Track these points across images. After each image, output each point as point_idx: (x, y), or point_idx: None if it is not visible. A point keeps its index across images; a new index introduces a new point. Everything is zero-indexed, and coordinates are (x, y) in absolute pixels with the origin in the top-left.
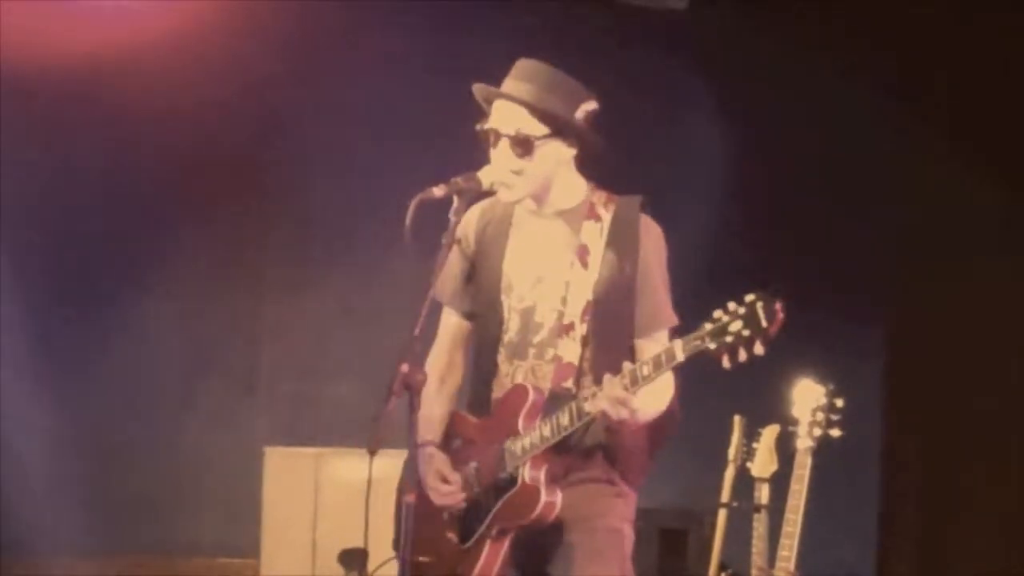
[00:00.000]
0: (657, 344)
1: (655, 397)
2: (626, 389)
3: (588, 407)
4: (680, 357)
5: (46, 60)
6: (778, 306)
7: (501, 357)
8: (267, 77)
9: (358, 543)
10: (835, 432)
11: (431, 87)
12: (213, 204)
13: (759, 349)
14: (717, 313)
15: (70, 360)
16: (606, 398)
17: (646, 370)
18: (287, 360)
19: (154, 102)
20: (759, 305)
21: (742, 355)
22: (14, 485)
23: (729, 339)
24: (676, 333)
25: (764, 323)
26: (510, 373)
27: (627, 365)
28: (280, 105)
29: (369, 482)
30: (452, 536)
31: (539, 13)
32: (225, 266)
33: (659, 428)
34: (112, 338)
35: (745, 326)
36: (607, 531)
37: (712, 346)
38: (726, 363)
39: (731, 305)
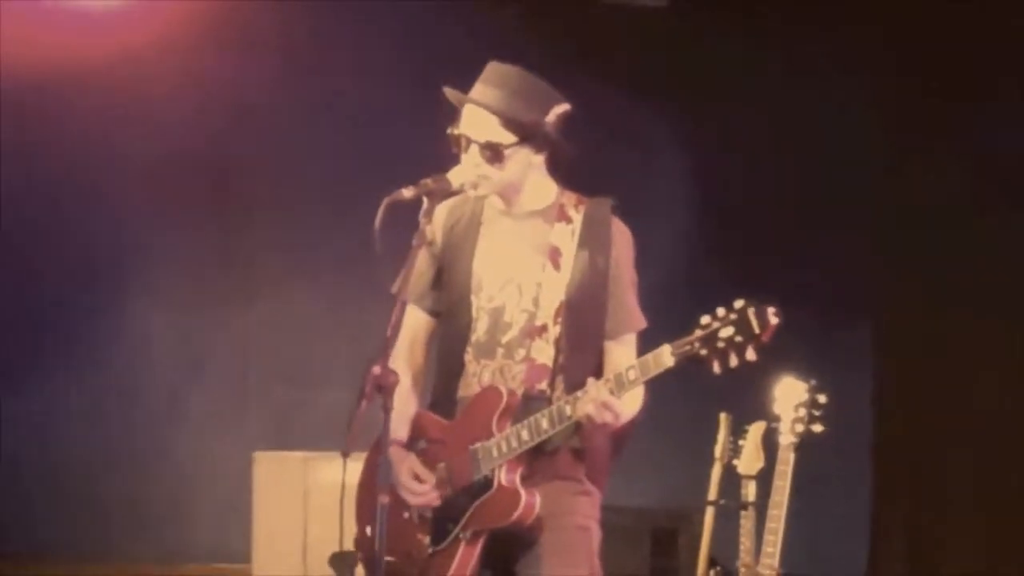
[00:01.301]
0: (625, 346)
1: (633, 400)
2: (612, 393)
3: (570, 411)
4: (669, 363)
5: (31, 62)
6: (771, 311)
7: (468, 356)
8: (250, 81)
9: (347, 545)
10: (817, 428)
11: (406, 86)
12: (199, 210)
13: (751, 355)
14: (705, 319)
15: (60, 365)
16: (591, 401)
17: (632, 374)
18: (276, 366)
19: (138, 104)
20: (750, 311)
21: (733, 361)
22: (5, 491)
23: (720, 345)
24: (643, 337)
25: (756, 329)
26: (477, 373)
27: (613, 370)
28: (265, 113)
29: (343, 485)
30: (423, 538)
31: (514, 10)
32: (213, 272)
33: (622, 431)
34: (101, 344)
35: (737, 332)
36: (575, 528)
37: (703, 352)
38: (716, 369)
39: (720, 311)
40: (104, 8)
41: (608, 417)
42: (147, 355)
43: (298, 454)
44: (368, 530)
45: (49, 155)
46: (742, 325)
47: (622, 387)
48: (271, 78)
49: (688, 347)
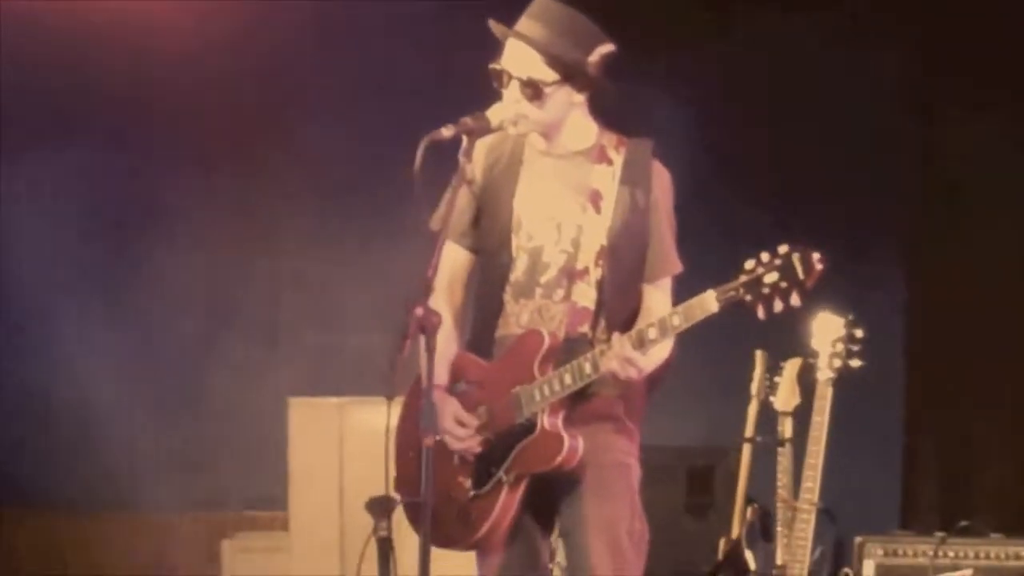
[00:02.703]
0: (661, 291)
1: (660, 350)
2: (654, 341)
3: (591, 367)
4: (714, 308)
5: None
6: (816, 257)
7: (507, 296)
8: (276, 33)
9: (384, 490)
10: (855, 363)
11: (446, 26)
12: (229, 158)
13: (796, 301)
14: (749, 264)
15: (90, 315)
16: (615, 357)
17: (677, 320)
18: (307, 311)
19: (163, 57)
20: (795, 256)
21: (778, 306)
22: (40, 441)
23: (765, 290)
24: (678, 280)
25: (801, 275)
26: (516, 312)
27: (648, 314)
28: (293, 61)
29: (388, 429)
30: (464, 481)
31: None
32: (240, 219)
33: (656, 372)
34: (132, 293)
35: (782, 277)
36: (615, 466)
37: (748, 297)
38: (761, 314)
39: (764, 256)
40: None
41: (632, 372)
42: (176, 303)
43: (333, 400)
44: (410, 474)
45: (75, 109)
46: (787, 270)
47: (666, 332)
48: (298, 28)
49: (733, 292)
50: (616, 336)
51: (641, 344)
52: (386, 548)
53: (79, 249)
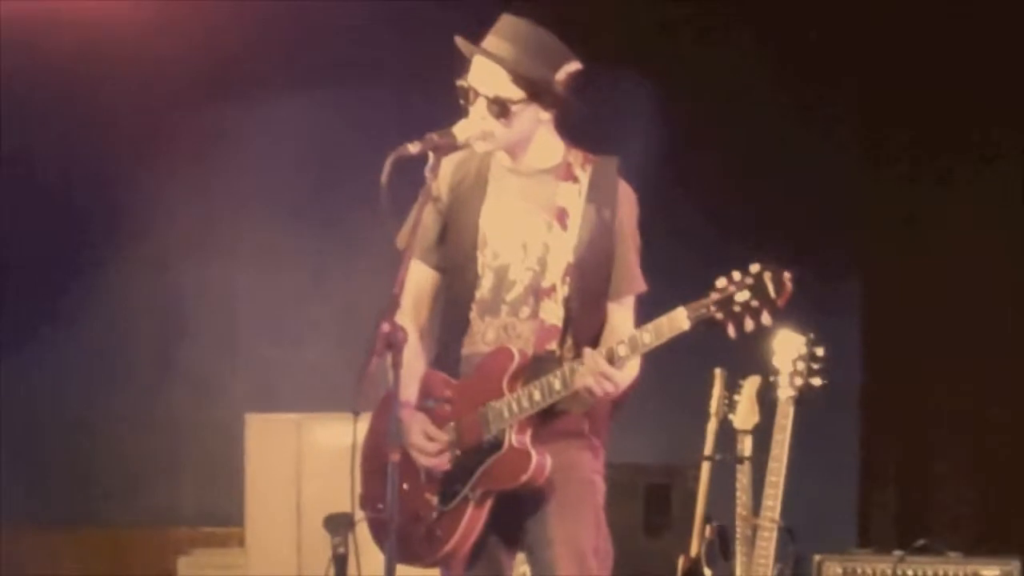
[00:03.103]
0: (625, 308)
1: (632, 366)
2: (624, 359)
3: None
4: (685, 326)
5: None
6: (787, 276)
7: (473, 313)
8: (235, 40)
9: (342, 507)
10: (816, 381)
11: (409, 41)
12: (185, 170)
13: (767, 319)
14: (721, 282)
15: (44, 329)
16: (589, 372)
17: (647, 337)
18: (265, 325)
19: (121, 63)
20: (767, 275)
21: (749, 325)
22: None
23: (737, 309)
24: (641, 299)
25: (773, 294)
26: (482, 330)
27: (612, 331)
28: (247, 71)
29: (354, 445)
30: (431, 498)
31: None
32: (198, 233)
33: (625, 389)
34: (86, 307)
35: (753, 296)
36: (581, 482)
37: (719, 315)
38: (732, 332)
39: (735, 274)
40: None
41: (609, 387)
42: (132, 317)
43: (291, 416)
44: (375, 490)
45: (31, 116)
46: (758, 289)
47: (636, 350)
48: (256, 39)
49: (704, 310)
50: (588, 351)
51: (611, 362)
52: (343, 565)
53: (32, 262)
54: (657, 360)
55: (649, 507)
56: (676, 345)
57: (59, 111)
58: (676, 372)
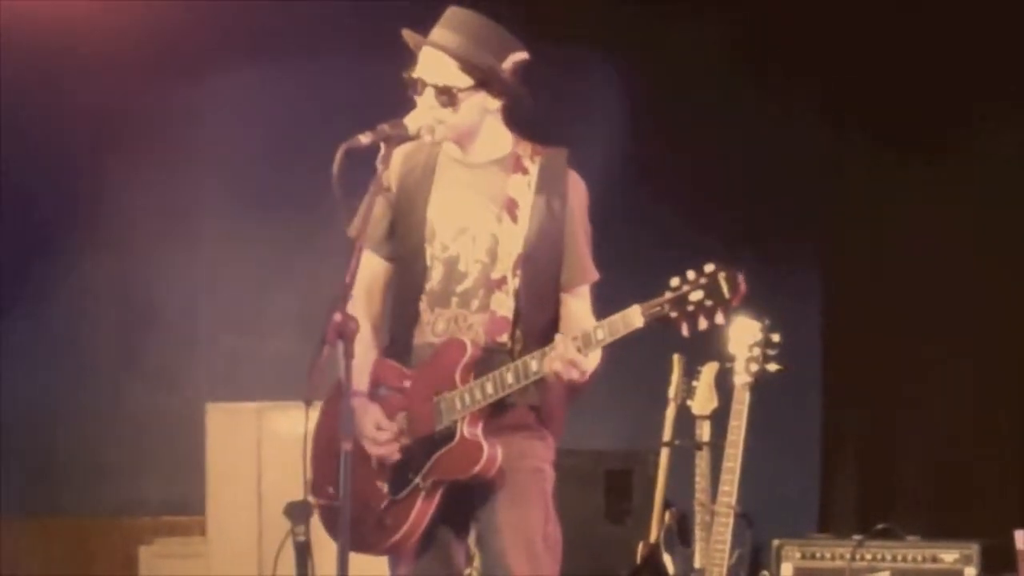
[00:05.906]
0: (580, 299)
1: (595, 355)
2: (579, 351)
3: (537, 366)
4: (639, 323)
5: None
6: (740, 278)
7: (423, 305)
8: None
9: (302, 495)
10: (772, 367)
11: (360, 33)
12: (144, 160)
13: (720, 319)
14: (675, 281)
15: (5, 319)
16: (559, 358)
17: (601, 334)
18: (225, 315)
19: (79, 55)
20: (721, 276)
21: (702, 324)
22: None
23: (691, 308)
24: (596, 289)
25: (727, 294)
26: (432, 321)
27: (570, 322)
28: (212, 61)
29: (307, 434)
30: (382, 486)
31: None
32: (158, 222)
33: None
34: (47, 297)
35: (707, 296)
36: (529, 471)
37: (673, 314)
38: (685, 331)
39: (690, 274)
40: None
41: (575, 374)
42: (93, 306)
43: (251, 405)
44: (327, 478)
45: None
46: (712, 289)
47: (589, 346)
48: (213, 23)
49: (658, 309)
50: (559, 337)
51: (587, 346)
52: (304, 553)
53: None
54: (616, 346)
55: (610, 493)
56: (634, 331)
57: (13, 99)
58: (635, 358)
